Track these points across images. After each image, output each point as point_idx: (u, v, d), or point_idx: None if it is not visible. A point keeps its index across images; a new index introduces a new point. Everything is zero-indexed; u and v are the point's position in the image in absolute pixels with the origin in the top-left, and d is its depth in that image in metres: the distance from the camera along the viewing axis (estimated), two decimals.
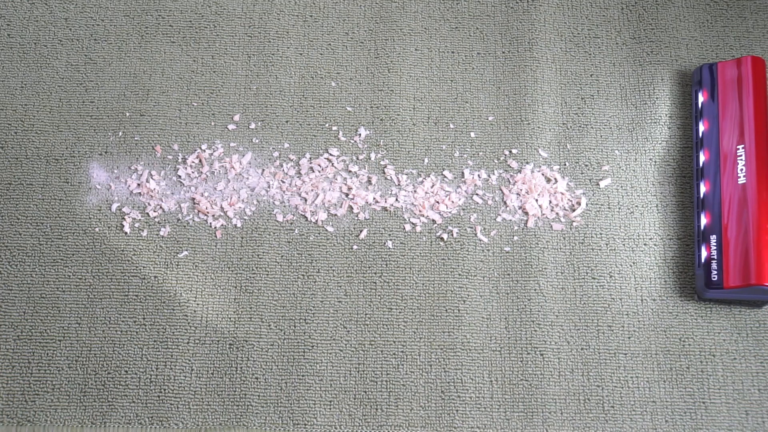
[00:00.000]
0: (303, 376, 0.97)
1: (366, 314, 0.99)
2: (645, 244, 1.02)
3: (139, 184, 1.06)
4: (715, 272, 0.96)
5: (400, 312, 1.00)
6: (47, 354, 0.98)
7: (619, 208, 1.04)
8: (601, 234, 1.03)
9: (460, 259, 1.02)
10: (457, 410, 0.95)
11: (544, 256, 1.02)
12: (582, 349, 0.98)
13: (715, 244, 0.98)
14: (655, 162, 1.06)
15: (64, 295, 1.01)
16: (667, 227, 1.03)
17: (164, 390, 0.96)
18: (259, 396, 0.96)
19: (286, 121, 1.09)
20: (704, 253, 0.98)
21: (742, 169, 1.00)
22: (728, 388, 0.95)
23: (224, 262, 1.02)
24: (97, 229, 1.04)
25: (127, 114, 1.10)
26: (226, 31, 1.15)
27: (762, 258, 0.94)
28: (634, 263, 1.01)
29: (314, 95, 1.11)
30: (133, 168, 1.07)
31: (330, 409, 0.95)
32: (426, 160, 1.07)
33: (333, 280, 1.01)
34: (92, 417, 0.95)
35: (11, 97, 1.11)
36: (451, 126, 1.09)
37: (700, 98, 1.07)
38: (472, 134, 1.08)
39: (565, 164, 1.06)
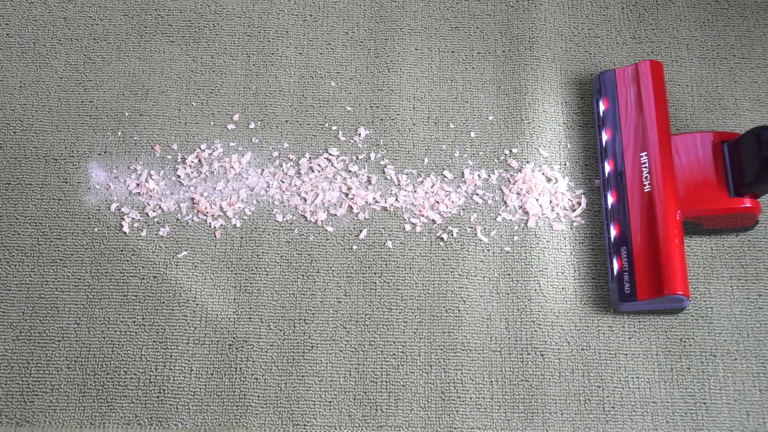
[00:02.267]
0: (303, 376, 0.97)
1: (366, 314, 0.99)
2: None
3: (138, 184, 1.06)
4: (628, 285, 0.96)
5: (400, 312, 0.99)
6: (46, 354, 0.98)
7: None
8: (601, 234, 1.02)
9: (460, 259, 1.01)
10: (457, 411, 0.95)
11: (545, 256, 1.02)
12: (582, 349, 0.97)
13: (625, 255, 0.97)
14: None
15: (63, 295, 1.00)
16: None
17: (163, 390, 0.96)
18: (258, 396, 0.96)
19: (286, 121, 1.09)
20: (616, 266, 0.97)
21: (646, 177, 0.98)
22: (729, 389, 0.95)
23: (224, 262, 1.02)
24: (96, 229, 1.04)
25: (126, 114, 1.10)
26: (225, 30, 1.14)
27: (673, 266, 0.93)
28: None
29: (314, 95, 1.11)
30: (132, 168, 1.07)
31: (330, 409, 0.95)
32: (426, 160, 1.07)
33: (333, 280, 1.01)
34: (91, 417, 0.95)
35: (10, 96, 1.11)
36: (451, 126, 1.08)
37: (601, 106, 1.06)
38: (472, 134, 1.08)
39: (565, 164, 1.06)
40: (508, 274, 1.01)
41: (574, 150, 1.07)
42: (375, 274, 1.01)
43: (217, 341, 0.98)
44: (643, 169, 0.99)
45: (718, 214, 0.97)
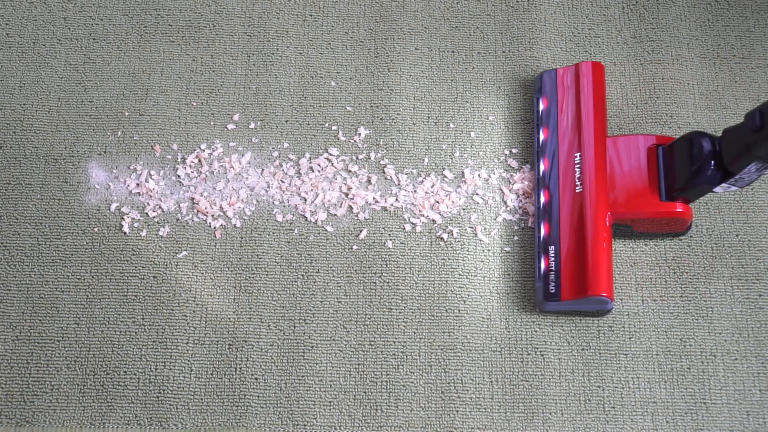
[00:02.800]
0: (303, 376, 0.97)
1: (366, 314, 0.99)
2: (645, 245, 1.02)
3: (138, 184, 1.05)
4: (553, 284, 0.95)
5: (400, 312, 0.99)
6: (46, 354, 0.98)
7: None
8: None
9: (460, 259, 1.01)
10: (457, 411, 0.95)
11: None
12: (582, 349, 0.97)
13: (553, 255, 0.96)
14: None
15: (63, 295, 1.00)
16: None
17: (163, 390, 0.96)
18: (258, 396, 0.96)
19: (286, 121, 1.09)
20: (543, 265, 0.97)
21: (579, 178, 0.98)
22: (729, 389, 0.95)
23: (223, 262, 1.02)
24: (96, 229, 1.04)
25: (126, 113, 1.10)
26: (225, 30, 1.14)
27: (598, 268, 0.93)
28: (634, 263, 1.01)
29: (314, 95, 1.10)
30: (132, 168, 1.07)
31: (330, 409, 0.95)
32: (426, 160, 1.07)
33: (333, 280, 1.01)
34: (91, 417, 0.95)
35: (10, 96, 1.11)
36: (451, 126, 1.08)
37: (541, 106, 1.05)
38: (472, 134, 1.08)
39: None
40: (508, 274, 1.01)
41: None
42: (375, 274, 1.01)
43: (217, 341, 0.98)
44: (576, 169, 0.99)
45: (648, 217, 0.96)
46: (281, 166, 1.06)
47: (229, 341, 0.98)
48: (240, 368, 0.97)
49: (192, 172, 1.06)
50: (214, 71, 1.12)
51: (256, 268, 1.01)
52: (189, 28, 1.14)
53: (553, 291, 0.95)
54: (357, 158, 1.07)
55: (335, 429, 0.95)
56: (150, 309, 1.00)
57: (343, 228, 1.03)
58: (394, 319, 0.99)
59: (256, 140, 1.08)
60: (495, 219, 1.03)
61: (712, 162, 0.90)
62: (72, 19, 1.15)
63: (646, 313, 0.99)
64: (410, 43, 1.13)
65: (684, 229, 1.00)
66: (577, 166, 0.99)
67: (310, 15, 1.15)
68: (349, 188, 1.05)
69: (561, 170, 1.00)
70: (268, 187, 1.05)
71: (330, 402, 0.96)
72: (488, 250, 1.02)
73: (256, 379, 0.96)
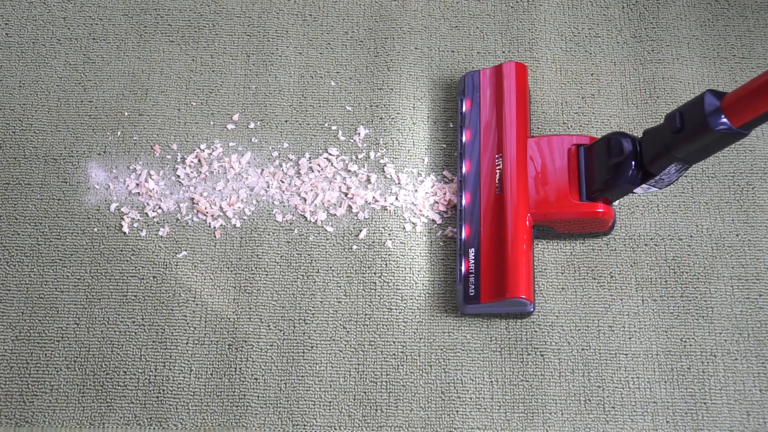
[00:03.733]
0: (302, 376, 0.96)
1: (366, 314, 0.99)
2: (646, 245, 1.02)
3: (137, 184, 1.05)
4: (473, 287, 0.95)
5: (400, 312, 0.99)
6: (45, 354, 0.98)
7: (620, 208, 1.03)
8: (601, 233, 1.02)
9: None
10: (457, 411, 0.95)
11: (545, 256, 1.01)
12: (582, 349, 0.97)
13: (473, 257, 0.96)
14: None
15: (63, 295, 1.00)
16: (668, 227, 1.03)
17: (163, 391, 0.96)
18: (258, 396, 0.96)
19: (286, 121, 1.09)
20: (463, 267, 0.96)
21: (499, 179, 0.98)
22: (730, 389, 0.95)
23: (223, 263, 1.02)
24: (95, 229, 1.03)
25: (126, 113, 1.10)
26: (225, 30, 1.14)
27: (517, 270, 0.93)
28: (635, 263, 1.01)
29: (313, 94, 1.10)
30: (131, 168, 1.07)
31: (329, 409, 0.95)
32: (426, 160, 1.07)
33: (333, 280, 1.01)
34: (91, 418, 0.95)
35: (9, 96, 1.11)
36: (451, 125, 1.08)
37: (464, 107, 1.05)
38: None
39: None
40: None
41: None
42: (375, 274, 1.01)
43: (217, 341, 0.98)
44: (497, 171, 0.98)
45: (568, 218, 0.96)
46: (281, 166, 1.06)
47: (229, 341, 0.98)
48: (240, 368, 0.97)
49: (192, 172, 1.06)
50: (213, 71, 1.12)
51: (256, 268, 1.01)
52: (189, 28, 1.14)
53: (472, 294, 0.95)
54: (357, 158, 1.07)
55: (335, 429, 0.95)
56: (150, 309, 1.00)
57: (343, 228, 1.03)
58: (394, 319, 0.99)
59: (256, 140, 1.08)
60: None
61: (633, 162, 0.90)
62: (71, 18, 1.15)
63: (646, 313, 0.99)
64: (410, 43, 1.13)
65: (606, 229, 0.99)
66: (498, 167, 0.98)
67: (310, 15, 1.15)
68: (349, 188, 1.05)
69: (482, 172, 1.00)
70: (268, 187, 1.05)
71: (330, 402, 0.95)
72: None
73: (255, 379, 0.96)
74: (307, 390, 0.96)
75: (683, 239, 1.02)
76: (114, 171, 1.07)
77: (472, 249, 0.96)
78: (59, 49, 1.13)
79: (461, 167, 1.02)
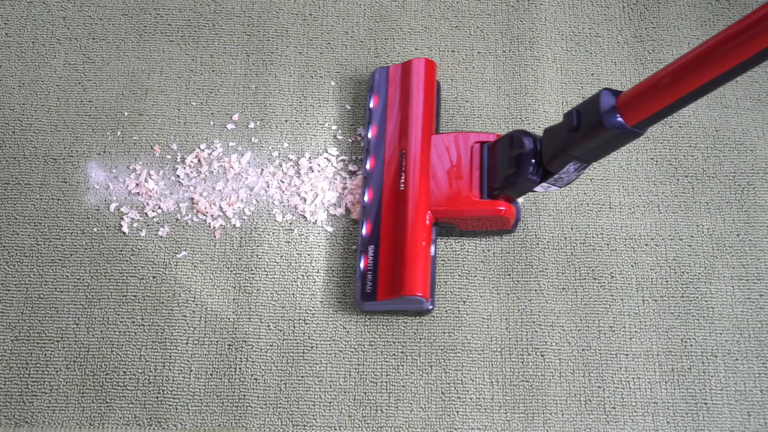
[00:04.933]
0: (302, 377, 0.96)
1: (366, 314, 0.99)
2: (646, 245, 1.02)
3: (137, 184, 1.05)
4: (370, 284, 0.95)
5: (400, 312, 0.99)
6: (45, 355, 0.98)
7: (620, 208, 1.03)
8: (602, 234, 1.02)
9: (460, 259, 1.01)
10: (457, 411, 0.95)
11: (545, 256, 1.01)
12: (583, 349, 0.97)
13: (372, 254, 0.96)
14: (657, 161, 1.06)
15: (62, 295, 1.00)
16: (668, 227, 1.02)
17: (163, 391, 0.96)
18: (258, 397, 0.96)
19: (286, 121, 1.09)
20: (362, 264, 0.96)
21: (402, 176, 0.97)
22: (730, 389, 0.95)
23: (223, 263, 1.01)
24: (95, 229, 1.03)
25: (126, 113, 1.10)
26: (224, 29, 1.14)
27: (414, 267, 0.92)
28: (635, 263, 1.01)
29: (313, 94, 1.10)
30: (131, 168, 1.07)
31: (329, 410, 0.95)
32: None
33: (333, 280, 1.01)
34: (90, 418, 0.95)
35: (9, 96, 1.11)
36: (451, 126, 1.08)
37: (371, 103, 1.05)
38: None
39: None
40: (508, 274, 1.01)
41: None
42: None
43: (217, 341, 0.98)
44: (400, 168, 0.98)
45: (469, 216, 0.96)
46: (281, 165, 1.06)
47: (229, 341, 0.98)
48: (239, 368, 0.97)
49: (191, 172, 1.06)
50: (213, 71, 1.12)
51: (255, 268, 1.01)
52: (188, 28, 1.14)
53: (369, 290, 0.94)
54: (357, 158, 1.07)
55: (335, 429, 0.94)
56: (149, 309, 0.99)
57: (343, 228, 1.03)
58: (394, 319, 0.99)
59: (256, 140, 1.08)
60: None
61: (532, 161, 0.89)
62: (71, 18, 1.15)
63: (646, 313, 0.99)
64: (410, 43, 1.13)
65: (509, 227, 0.99)
66: (401, 164, 0.98)
67: (310, 14, 1.15)
68: (348, 187, 1.05)
69: (386, 168, 0.99)
70: (268, 187, 1.05)
71: (330, 402, 0.95)
72: (488, 250, 1.02)
73: (255, 379, 0.96)
74: (307, 390, 0.96)
75: (684, 239, 1.02)
76: (114, 171, 1.06)
77: (372, 246, 0.96)
78: (59, 48, 1.13)
79: (366, 163, 1.02)
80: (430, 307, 0.95)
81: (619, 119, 0.78)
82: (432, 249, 0.96)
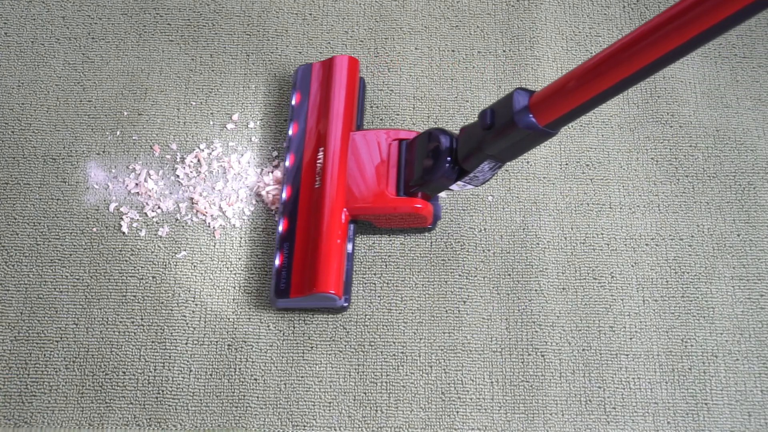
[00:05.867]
0: (302, 377, 0.96)
1: (366, 314, 0.99)
2: (647, 245, 1.01)
3: (137, 184, 1.05)
4: (284, 281, 0.94)
5: (400, 312, 0.99)
6: (44, 355, 0.98)
7: (621, 208, 1.03)
8: (602, 234, 1.02)
9: (460, 259, 1.01)
10: (457, 412, 0.95)
11: (545, 256, 1.01)
12: (583, 349, 0.97)
13: (287, 251, 0.96)
14: (657, 161, 1.06)
15: (62, 295, 1.00)
16: (668, 227, 1.02)
17: (162, 391, 0.96)
18: (258, 397, 0.95)
19: (285, 120, 1.09)
20: (277, 261, 0.96)
21: (319, 173, 0.97)
22: (731, 390, 0.95)
23: (223, 263, 1.01)
24: (94, 229, 1.03)
25: (125, 113, 1.09)
26: (224, 29, 1.14)
27: (328, 265, 0.92)
28: (635, 263, 1.00)
29: None
30: (131, 167, 1.06)
31: (329, 410, 0.95)
32: None
33: None
34: (90, 418, 0.95)
35: (8, 96, 1.10)
36: (451, 125, 1.08)
37: (294, 100, 1.05)
38: None
39: (566, 163, 1.06)
40: (509, 274, 1.00)
41: (575, 149, 1.06)
42: (375, 274, 1.01)
43: (217, 341, 0.98)
44: (318, 164, 0.98)
45: (384, 213, 0.96)
46: (281, 165, 1.06)
47: (229, 341, 0.98)
48: (239, 369, 0.97)
49: (191, 171, 1.06)
50: (213, 70, 1.11)
51: (255, 268, 1.01)
52: (188, 27, 1.14)
53: (283, 287, 0.94)
54: None
55: (335, 430, 0.94)
56: (149, 309, 0.99)
57: None
58: (394, 319, 0.99)
59: (256, 140, 1.08)
60: (495, 219, 1.03)
61: (448, 158, 0.89)
62: (71, 18, 1.15)
63: (647, 313, 0.98)
64: (410, 43, 1.13)
65: (428, 225, 0.99)
66: (318, 161, 0.98)
67: (310, 14, 1.15)
68: None
69: (304, 166, 0.99)
70: (267, 186, 1.05)
71: (330, 403, 0.95)
72: (488, 250, 1.02)
73: (255, 379, 0.96)
74: (306, 390, 0.96)
75: (684, 239, 1.02)
76: (113, 171, 1.06)
77: (288, 243, 0.96)
78: (58, 48, 1.13)
79: (285, 161, 1.02)
80: (345, 304, 0.95)
81: (531, 119, 0.79)
82: (349, 247, 0.96)
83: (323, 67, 1.05)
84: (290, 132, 1.03)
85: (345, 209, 0.95)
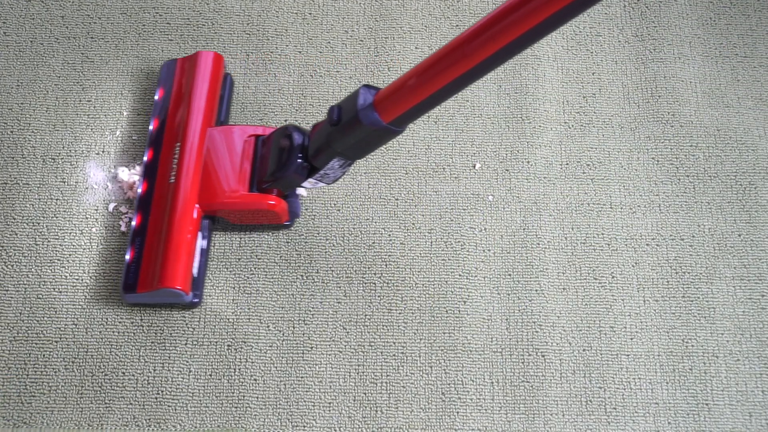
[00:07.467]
0: (302, 377, 0.96)
1: (366, 314, 0.99)
2: (647, 245, 1.01)
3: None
4: (132, 276, 0.95)
5: (400, 312, 0.99)
6: (44, 355, 0.97)
7: (621, 208, 1.03)
8: (602, 234, 1.02)
9: (460, 259, 1.01)
10: (457, 412, 0.94)
11: (545, 256, 1.01)
12: (584, 350, 0.97)
13: (138, 246, 0.96)
14: (658, 161, 1.06)
15: (61, 295, 1.00)
16: (669, 227, 1.02)
17: (162, 392, 0.96)
18: (257, 398, 0.95)
19: (285, 120, 1.09)
20: (128, 256, 0.96)
21: (173, 168, 0.97)
22: (731, 390, 0.95)
23: (222, 263, 1.01)
24: (94, 229, 1.03)
25: (125, 113, 1.09)
26: (224, 28, 1.14)
27: (176, 260, 0.92)
28: (636, 263, 1.00)
29: (313, 94, 1.10)
30: (130, 167, 1.06)
31: (329, 410, 0.95)
32: (426, 159, 1.06)
33: (333, 280, 1.00)
34: (89, 419, 0.95)
35: (7, 95, 1.10)
36: (452, 125, 1.08)
37: (157, 96, 1.05)
38: (473, 133, 1.07)
39: (566, 163, 1.06)
40: (509, 274, 1.00)
41: (575, 149, 1.06)
42: (375, 274, 1.01)
43: (216, 342, 0.98)
44: (174, 160, 0.98)
45: (236, 209, 0.96)
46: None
47: (228, 342, 0.98)
48: (239, 369, 0.96)
49: None
50: None
51: (254, 268, 1.01)
52: (187, 27, 1.14)
53: (131, 282, 0.95)
54: None
55: (335, 430, 0.94)
56: (148, 309, 0.99)
57: (343, 227, 1.03)
58: (394, 319, 0.98)
59: None
60: (495, 219, 1.03)
61: (299, 155, 0.90)
62: (70, 17, 1.15)
63: (647, 313, 0.98)
64: (410, 42, 1.13)
65: (283, 222, 0.99)
66: (174, 156, 0.98)
67: (310, 13, 1.15)
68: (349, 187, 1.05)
69: (161, 161, 0.99)
70: None
71: (330, 403, 0.95)
72: (488, 250, 1.01)
73: (255, 380, 0.96)
74: (306, 391, 0.95)
75: (685, 239, 1.02)
76: (113, 171, 1.06)
77: (139, 238, 0.96)
78: (57, 47, 1.13)
79: (144, 156, 1.02)
80: (195, 300, 0.96)
81: (376, 116, 0.79)
82: (204, 243, 0.97)
83: (186, 63, 1.05)
84: (151, 127, 1.03)
85: (197, 205, 0.95)
